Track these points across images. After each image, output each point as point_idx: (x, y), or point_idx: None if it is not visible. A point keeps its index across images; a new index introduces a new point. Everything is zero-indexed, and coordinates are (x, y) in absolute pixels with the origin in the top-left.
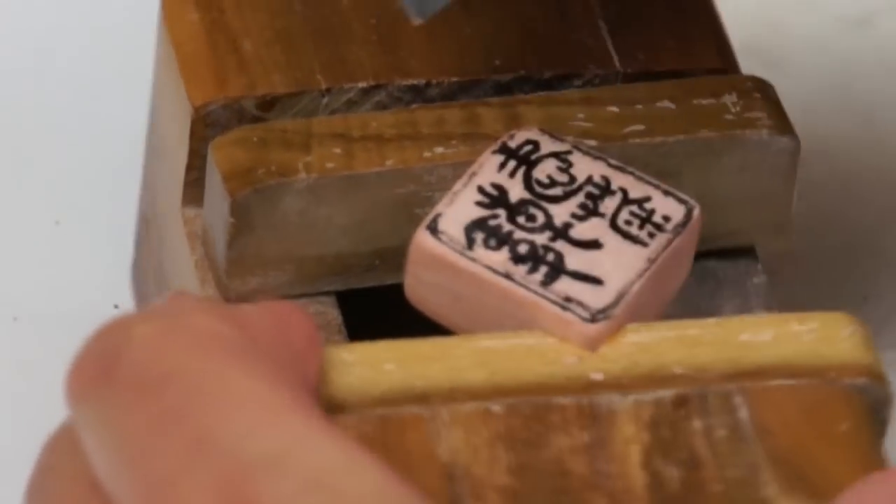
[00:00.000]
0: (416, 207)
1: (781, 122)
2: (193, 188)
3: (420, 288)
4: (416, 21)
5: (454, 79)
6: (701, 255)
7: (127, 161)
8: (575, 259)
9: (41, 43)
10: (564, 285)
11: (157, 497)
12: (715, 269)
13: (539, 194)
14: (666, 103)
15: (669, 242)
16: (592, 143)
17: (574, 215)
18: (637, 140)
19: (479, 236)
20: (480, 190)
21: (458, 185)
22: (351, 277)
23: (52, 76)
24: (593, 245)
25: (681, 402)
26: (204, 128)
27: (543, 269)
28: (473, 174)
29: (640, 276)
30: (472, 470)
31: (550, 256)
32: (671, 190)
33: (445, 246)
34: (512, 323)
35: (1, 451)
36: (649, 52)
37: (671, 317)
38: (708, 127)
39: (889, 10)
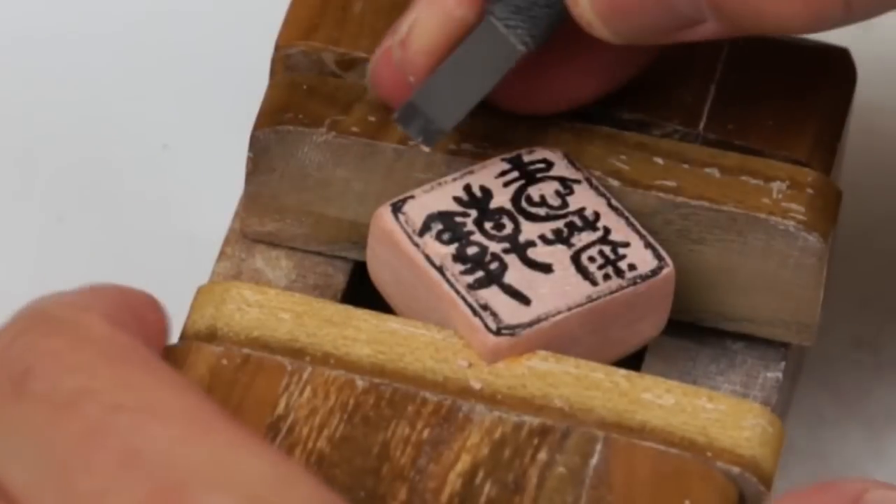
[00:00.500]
0: None
1: (818, 222)
2: None
3: (374, 262)
4: (425, 148)
5: None
6: (727, 335)
7: (128, 160)
8: (516, 275)
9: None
10: (490, 294)
11: None
12: (734, 352)
13: (521, 208)
14: (713, 171)
15: (620, 288)
16: (615, 183)
17: (542, 237)
18: (661, 194)
19: (435, 227)
20: (466, 188)
21: (448, 178)
22: (365, 249)
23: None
24: (543, 268)
25: (541, 431)
26: (283, 69)
27: (479, 274)
28: (470, 172)
29: (570, 308)
30: (298, 428)
31: (494, 265)
32: (656, 245)
33: (397, 225)
34: (435, 316)
35: None
36: (742, 124)
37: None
38: (737, 203)
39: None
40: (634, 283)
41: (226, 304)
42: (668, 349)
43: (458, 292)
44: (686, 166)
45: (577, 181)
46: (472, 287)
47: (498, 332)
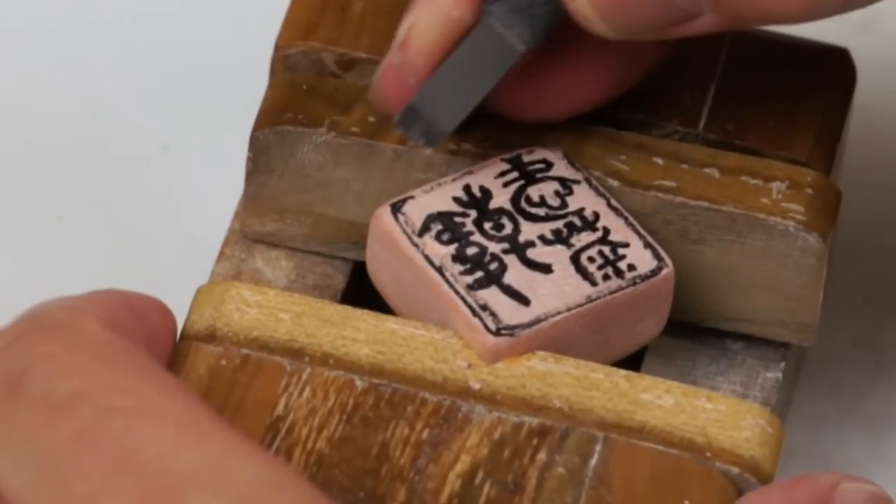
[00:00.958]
0: None
1: (818, 222)
2: None
3: (374, 262)
4: (428, 148)
5: None
6: (727, 336)
7: (127, 161)
8: (516, 275)
9: (42, 41)
10: (489, 294)
11: None
12: (734, 352)
13: (521, 209)
14: (713, 171)
15: (620, 289)
16: (615, 183)
17: (542, 237)
18: (660, 194)
19: (435, 227)
20: (466, 189)
21: (448, 178)
22: (365, 249)
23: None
24: (543, 268)
25: (540, 432)
26: (283, 69)
27: (478, 274)
28: (470, 172)
29: (569, 308)
30: (297, 429)
31: (493, 265)
32: (655, 246)
33: (397, 226)
34: (435, 317)
35: None
36: (741, 124)
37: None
38: (736, 203)
39: (891, 10)
40: (634, 284)
41: (225, 305)
42: (668, 349)
43: (457, 293)
44: (685, 166)
45: (577, 181)
46: (471, 287)
47: (497, 333)
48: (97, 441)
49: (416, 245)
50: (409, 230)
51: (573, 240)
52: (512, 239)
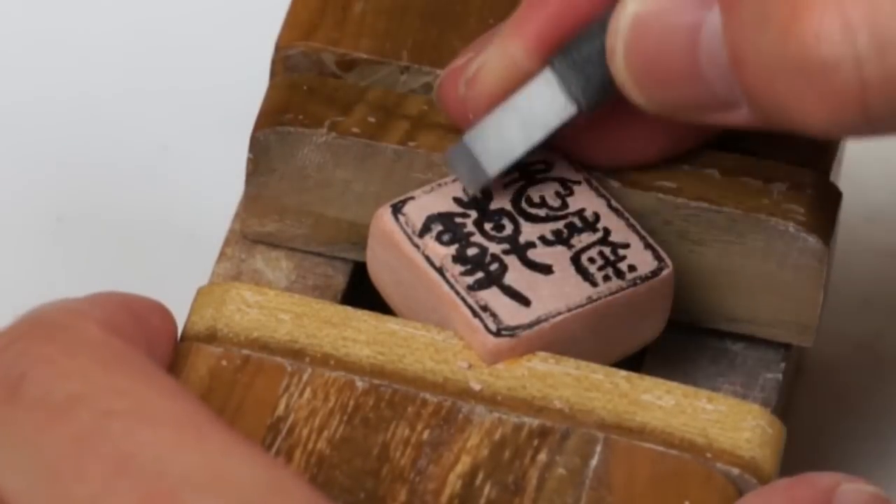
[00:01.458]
0: None
1: (818, 224)
2: None
3: (375, 263)
4: (469, 191)
5: None
6: (727, 336)
7: (128, 161)
8: (516, 276)
9: (42, 42)
10: (490, 295)
11: None
12: (734, 353)
13: (521, 209)
14: (713, 172)
15: (620, 289)
16: (615, 184)
17: (543, 238)
18: (660, 195)
19: (435, 228)
20: (466, 189)
21: (448, 179)
22: (365, 250)
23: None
24: (544, 269)
25: (541, 433)
26: (283, 69)
27: (479, 275)
28: None
29: (570, 309)
30: (298, 429)
31: (494, 266)
32: (656, 246)
33: (398, 226)
34: (435, 317)
35: None
36: None
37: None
38: (737, 204)
39: None
40: (634, 284)
41: (226, 306)
42: (668, 350)
43: (458, 293)
44: (686, 167)
45: (577, 182)
46: (471, 288)
47: (498, 334)
48: (96, 444)
49: (416, 246)
50: (409, 231)
51: (574, 240)
52: (512, 240)
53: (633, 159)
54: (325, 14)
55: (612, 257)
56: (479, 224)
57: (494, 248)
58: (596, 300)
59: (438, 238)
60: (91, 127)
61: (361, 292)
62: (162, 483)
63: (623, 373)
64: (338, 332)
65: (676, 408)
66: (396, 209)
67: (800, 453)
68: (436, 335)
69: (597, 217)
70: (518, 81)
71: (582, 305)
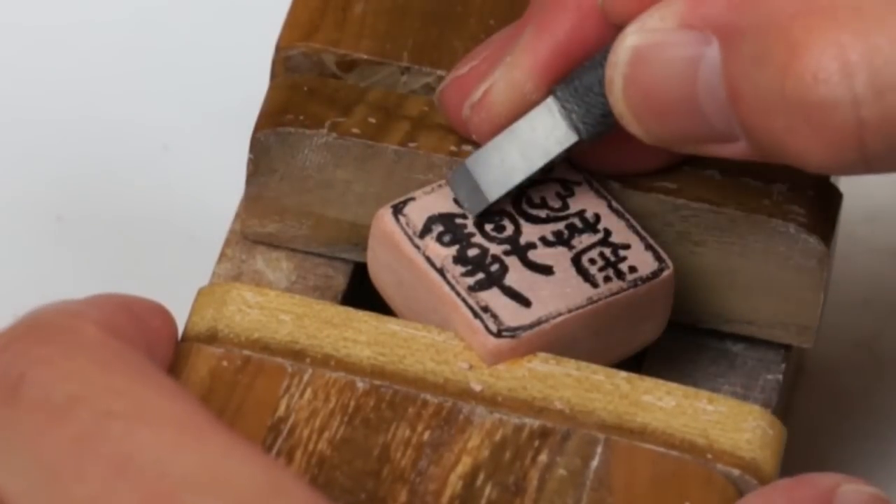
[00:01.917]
0: None
1: (818, 224)
2: None
3: (375, 264)
4: (469, 214)
5: None
6: (727, 337)
7: (128, 161)
8: (517, 276)
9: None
10: (490, 296)
11: None
12: (734, 354)
13: (522, 210)
14: (714, 173)
15: (621, 290)
16: (616, 184)
17: (543, 239)
18: (661, 196)
19: (436, 229)
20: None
21: None
22: (366, 250)
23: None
24: (544, 270)
25: (541, 433)
26: (284, 70)
27: (479, 276)
28: None
29: (570, 310)
30: (298, 430)
31: (494, 267)
32: (656, 247)
33: (398, 227)
34: (436, 318)
35: None
36: None
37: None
38: (737, 205)
39: None
40: (635, 285)
41: (226, 306)
42: (669, 351)
43: (458, 294)
44: (686, 168)
45: (578, 183)
46: (472, 289)
47: (498, 334)
48: (96, 445)
49: (417, 246)
50: (410, 231)
51: (574, 241)
52: (513, 240)
53: (635, 169)
54: (325, 15)
55: (612, 258)
56: (479, 225)
57: (495, 248)
58: (596, 301)
59: (439, 239)
60: (91, 126)
61: (362, 293)
62: (162, 484)
63: (624, 374)
64: (338, 333)
65: (677, 409)
66: (397, 210)
67: (800, 453)
68: (436, 336)
69: (597, 218)
70: (523, 109)
71: (582, 306)
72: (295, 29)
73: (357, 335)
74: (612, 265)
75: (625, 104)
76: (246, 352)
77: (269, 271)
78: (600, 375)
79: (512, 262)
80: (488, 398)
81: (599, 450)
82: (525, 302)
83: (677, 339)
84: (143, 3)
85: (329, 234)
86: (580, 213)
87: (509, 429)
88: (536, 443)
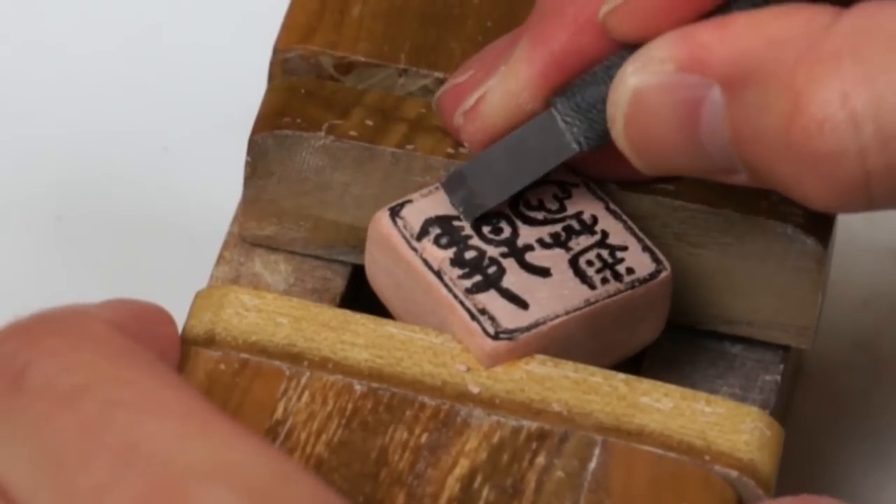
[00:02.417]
0: None
1: (816, 225)
2: None
3: (373, 267)
4: (465, 219)
5: None
6: (725, 338)
7: (127, 162)
8: (514, 279)
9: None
10: (488, 298)
11: None
12: (732, 355)
13: (519, 212)
14: None
15: (618, 292)
16: (613, 186)
17: (541, 241)
18: (658, 197)
19: (433, 231)
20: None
21: None
22: (363, 253)
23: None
24: (542, 272)
25: (539, 436)
26: (281, 73)
27: (477, 278)
28: None
29: (568, 312)
30: (296, 433)
31: (492, 269)
32: (654, 249)
33: (396, 230)
34: (433, 320)
35: None
36: None
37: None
38: (735, 206)
39: None
40: (632, 287)
41: (224, 309)
42: (667, 352)
43: (456, 296)
44: None
45: (575, 185)
46: (470, 291)
47: (496, 337)
48: (101, 434)
49: (414, 249)
50: (407, 234)
51: (572, 243)
52: (510, 243)
53: (635, 177)
54: (322, 17)
55: (610, 260)
56: (476, 227)
57: (492, 251)
58: (594, 303)
59: (436, 241)
60: (91, 128)
61: (360, 295)
62: (168, 472)
63: (621, 375)
64: (336, 336)
65: (675, 410)
66: (394, 212)
67: (798, 453)
68: (434, 338)
69: (595, 220)
70: (517, 119)
71: (580, 308)
72: (292, 31)
73: (355, 338)
74: (610, 267)
75: (626, 141)
76: (243, 355)
77: (267, 274)
78: (598, 377)
79: (509, 264)
80: (486, 400)
81: (597, 452)
82: (522, 304)
83: (676, 341)
84: (143, 6)
85: (327, 237)
86: (577, 215)
87: (507, 431)
88: (534, 445)
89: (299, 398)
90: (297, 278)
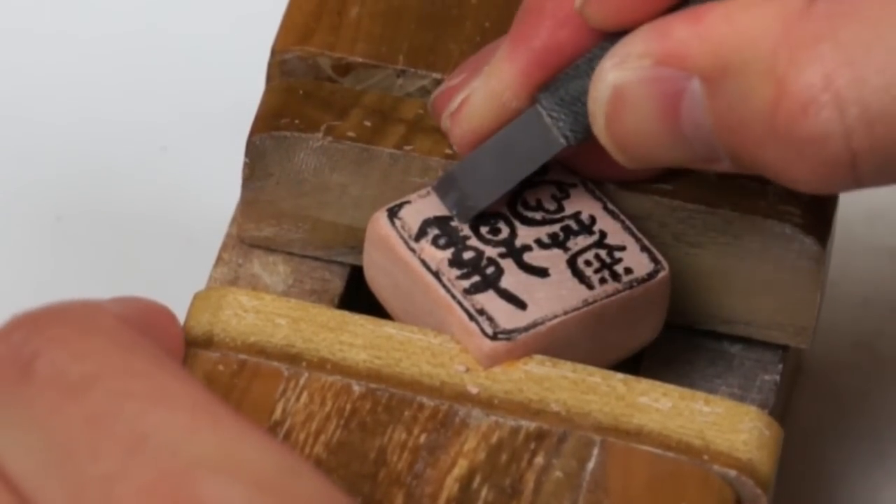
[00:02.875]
0: None
1: (815, 225)
2: None
3: (372, 268)
4: (458, 222)
5: None
6: (724, 338)
7: (126, 162)
8: (512, 279)
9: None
10: (486, 298)
11: (93, 498)
12: (731, 354)
13: (517, 213)
14: (709, 174)
15: (617, 292)
16: (611, 186)
17: (539, 241)
18: (656, 197)
19: (431, 232)
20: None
21: None
22: (362, 254)
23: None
24: (540, 272)
25: (538, 436)
26: (280, 74)
27: (475, 279)
28: None
29: (566, 312)
30: (295, 434)
31: (490, 269)
32: (652, 249)
33: (394, 231)
34: (431, 321)
35: None
36: None
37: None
38: (733, 206)
39: None
40: (631, 287)
41: (222, 310)
42: (665, 352)
43: (454, 297)
44: (682, 169)
45: (573, 185)
46: (468, 292)
47: (494, 337)
48: (111, 424)
49: (412, 250)
50: (405, 235)
51: (570, 243)
52: (508, 243)
53: (631, 178)
54: (320, 18)
55: (608, 260)
56: (474, 228)
57: (490, 251)
58: (592, 303)
59: (434, 242)
60: (90, 127)
61: (358, 296)
62: (177, 464)
63: (620, 375)
64: (334, 337)
65: (673, 410)
66: (392, 213)
67: (797, 453)
68: (432, 339)
69: (593, 220)
70: (503, 118)
71: (578, 308)
72: (290, 33)
73: (353, 339)
74: (608, 267)
75: (607, 137)
76: (242, 356)
77: (265, 275)
78: (597, 377)
79: (507, 264)
80: (484, 401)
81: (596, 452)
82: (521, 304)
83: (674, 341)
84: (142, 7)
85: (325, 238)
86: (575, 215)
87: (506, 431)
88: (533, 445)
89: (298, 399)
90: (295, 279)
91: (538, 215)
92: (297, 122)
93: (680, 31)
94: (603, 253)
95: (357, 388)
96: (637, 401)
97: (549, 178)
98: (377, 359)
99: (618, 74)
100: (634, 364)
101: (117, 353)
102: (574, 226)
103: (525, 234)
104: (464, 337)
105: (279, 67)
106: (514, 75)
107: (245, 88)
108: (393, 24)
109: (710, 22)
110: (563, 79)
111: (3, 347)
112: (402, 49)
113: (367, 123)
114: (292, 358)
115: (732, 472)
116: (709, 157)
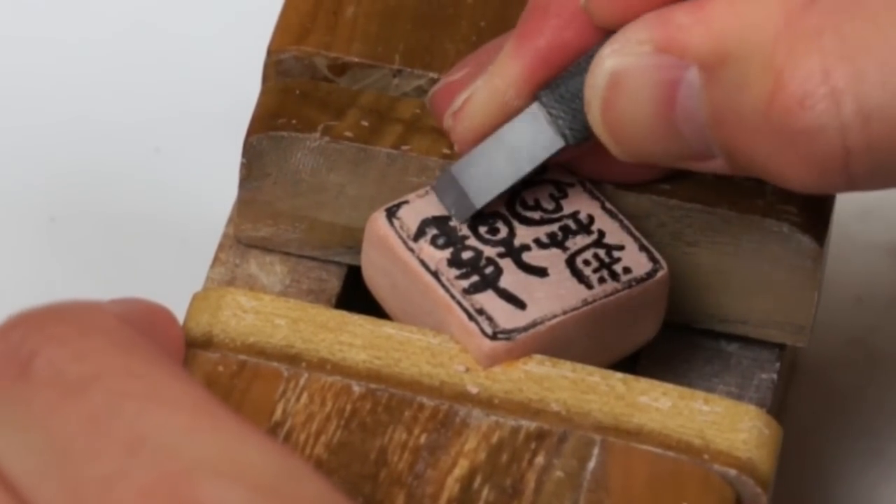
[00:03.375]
0: None
1: (812, 224)
2: None
3: (370, 268)
4: (457, 221)
5: None
6: (722, 337)
7: (120, 163)
8: (511, 279)
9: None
10: (485, 298)
11: (92, 499)
12: (728, 353)
13: (516, 212)
14: (707, 173)
15: (616, 291)
16: (609, 186)
17: (537, 241)
18: (654, 197)
19: (430, 232)
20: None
21: None
22: (359, 254)
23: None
24: (539, 272)
25: (538, 436)
26: (275, 74)
27: (474, 279)
28: None
29: (565, 312)
30: (295, 434)
31: (489, 269)
32: (650, 248)
33: (392, 231)
34: (430, 321)
35: None
36: None
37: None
38: (730, 205)
39: None
40: (629, 286)
41: (222, 311)
42: (664, 351)
43: (453, 297)
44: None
45: (571, 184)
46: (467, 292)
47: (494, 337)
48: (110, 424)
49: (411, 250)
50: (404, 235)
51: (568, 243)
52: (507, 243)
53: (631, 179)
54: (316, 18)
55: (606, 259)
56: (473, 227)
57: (489, 251)
58: (591, 302)
59: (433, 242)
60: (85, 128)
61: (356, 296)
62: (176, 465)
63: (619, 375)
64: (334, 337)
65: (673, 409)
66: (391, 213)
67: (794, 451)
68: (432, 339)
69: (591, 219)
70: (505, 117)
71: (577, 308)
72: (286, 32)
73: (352, 339)
74: (607, 266)
75: (602, 125)
76: (241, 356)
77: (262, 275)
78: (596, 377)
79: (506, 264)
80: (484, 401)
81: (596, 451)
82: (520, 304)
83: (672, 340)
84: (136, 7)
85: (323, 238)
86: (574, 215)
87: (506, 431)
88: (533, 445)
89: (298, 399)
90: (292, 279)
91: (536, 215)
92: (293, 122)
93: (682, 17)
94: (601, 252)
95: (357, 389)
96: (637, 400)
97: (547, 178)
98: (377, 359)
99: (616, 60)
100: (631, 363)
101: (117, 353)
102: (572, 225)
103: (524, 234)
104: (463, 337)
105: (275, 67)
106: (518, 74)
107: (241, 89)
108: (389, 23)
109: (712, 10)
110: (564, 76)
111: (2, 346)
112: (398, 49)
113: (365, 123)
114: (292, 358)
115: (732, 472)
116: (701, 153)
